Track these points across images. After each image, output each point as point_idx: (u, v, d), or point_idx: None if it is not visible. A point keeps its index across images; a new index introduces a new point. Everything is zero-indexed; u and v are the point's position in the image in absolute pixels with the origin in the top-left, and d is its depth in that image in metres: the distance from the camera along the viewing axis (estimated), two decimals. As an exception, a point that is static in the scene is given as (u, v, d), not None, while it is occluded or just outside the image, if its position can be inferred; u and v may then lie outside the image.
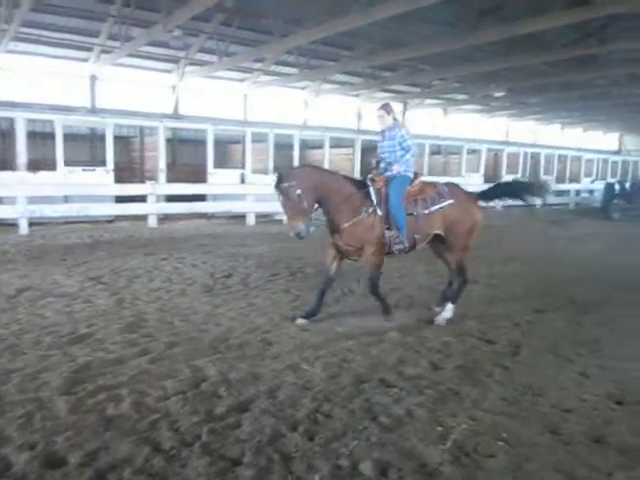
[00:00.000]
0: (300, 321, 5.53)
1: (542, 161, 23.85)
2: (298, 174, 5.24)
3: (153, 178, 14.33)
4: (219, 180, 14.96)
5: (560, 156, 25.29)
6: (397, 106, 26.25)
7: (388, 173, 5.62)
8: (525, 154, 23.03)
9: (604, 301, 7.00)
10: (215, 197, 14.94)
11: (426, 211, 5.61)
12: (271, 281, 7.48)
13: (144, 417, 3.43)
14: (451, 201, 5.72)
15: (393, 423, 3.45)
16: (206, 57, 18.52)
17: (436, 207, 5.67)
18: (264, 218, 15.27)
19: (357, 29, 14.75)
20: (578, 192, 25.76)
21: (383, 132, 5.84)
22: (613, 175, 26.39)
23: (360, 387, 3.98)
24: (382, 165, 5.79)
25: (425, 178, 6.25)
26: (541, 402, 3.85)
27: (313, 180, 5.24)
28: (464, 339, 5.18)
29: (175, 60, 18.80)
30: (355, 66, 18.71)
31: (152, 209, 13.31)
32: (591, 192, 25.77)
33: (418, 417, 3.54)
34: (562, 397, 3.95)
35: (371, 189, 5.50)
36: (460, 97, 25.60)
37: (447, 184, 6.12)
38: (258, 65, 19.90)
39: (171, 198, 14.10)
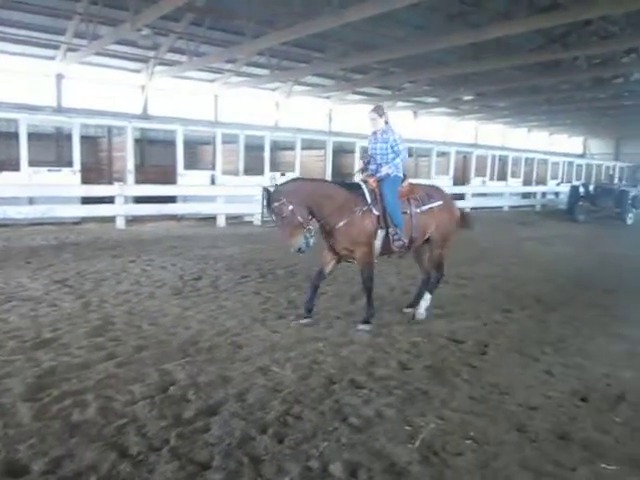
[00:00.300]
0: (302, 321, 5.58)
1: (510, 164, 24.29)
2: (286, 191, 5.19)
3: (121, 179, 14.10)
4: (189, 181, 14.79)
5: (527, 159, 25.79)
6: (367, 109, 26.43)
7: (379, 174, 5.70)
8: (493, 157, 23.42)
9: (569, 300, 7.18)
10: (185, 198, 14.78)
11: (418, 210, 5.77)
12: (241, 283, 7.44)
13: (111, 422, 3.36)
14: (440, 202, 5.97)
15: (363, 424, 3.46)
16: (176, 57, 18.35)
17: (427, 207, 5.85)
18: (235, 220, 15.19)
19: (329, 31, 14.81)
20: (544, 194, 26.32)
21: (375, 134, 5.90)
22: (578, 178, 27.03)
23: (330, 388, 3.99)
24: (373, 167, 5.86)
25: (412, 180, 6.36)
26: (508, 400, 3.92)
27: (302, 193, 5.27)
28: (433, 339, 5.23)
29: (144, 59, 18.57)
30: (327, 68, 18.79)
31: (120, 211, 13.09)
32: (557, 194, 26.36)
33: (387, 417, 3.56)
34: (528, 395, 4.02)
35: (365, 190, 5.58)
36: (430, 100, 25.92)
37: (431, 186, 6.36)
38: (229, 66, 19.80)
39: (140, 199, 13.88)
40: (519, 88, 22.17)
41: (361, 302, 6.51)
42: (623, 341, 5.47)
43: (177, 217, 14.76)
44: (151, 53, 17.96)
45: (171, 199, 14.41)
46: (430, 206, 5.87)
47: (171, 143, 15.50)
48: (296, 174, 16.95)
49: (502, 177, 23.73)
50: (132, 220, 13.82)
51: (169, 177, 14.89)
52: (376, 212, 5.51)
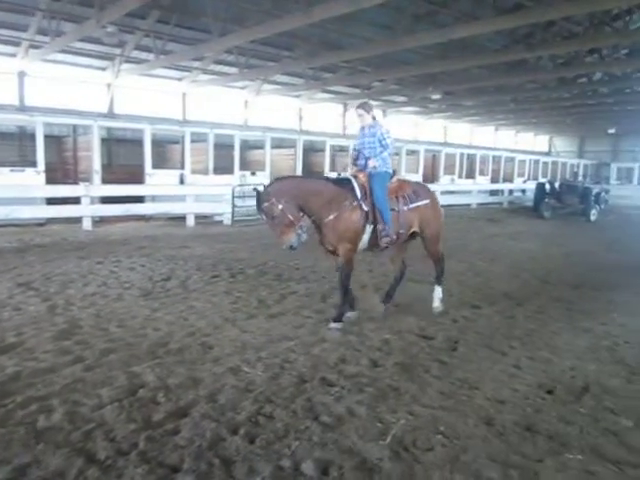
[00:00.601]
0: (333, 325, 5.50)
1: (478, 162, 24.66)
2: (274, 190, 5.24)
3: (87, 179, 13.81)
4: (157, 181, 14.58)
5: (495, 157, 26.23)
6: (337, 107, 26.52)
7: (367, 169, 5.76)
8: (462, 155, 23.74)
9: (536, 296, 7.33)
10: (154, 198, 14.56)
11: (406, 207, 5.87)
12: (211, 283, 7.37)
13: (78, 428, 3.30)
14: (427, 201, 6.11)
15: (334, 422, 3.48)
16: (143, 55, 18.09)
17: (414, 205, 5.96)
18: (204, 219, 15.04)
19: (297, 30, 14.82)
20: (511, 191, 26.79)
21: (363, 129, 5.96)
22: (544, 175, 27.56)
23: (302, 387, 3.99)
24: (362, 162, 5.89)
25: (400, 176, 6.51)
26: (477, 395, 3.98)
27: (290, 191, 5.30)
28: (403, 336, 5.28)
29: (110, 57, 18.24)
30: (295, 67, 18.77)
31: (86, 211, 12.82)
32: (524, 191, 26.84)
33: (359, 415, 3.58)
34: (496, 389, 4.10)
35: (355, 185, 5.62)
36: (399, 99, 26.13)
37: (417, 183, 6.52)
38: (197, 64, 19.61)
39: (107, 200, 13.62)
40: (486, 87, 22.54)
41: (332, 300, 6.56)
42: (588, 335, 5.62)
43: (145, 217, 14.53)
44: (117, 51, 17.65)
45: (139, 199, 14.17)
46: (417, 204, 5.98)
47: (139, 142, 15.25)
48: (266, 173, 16.91)
49: (470, 175, 24.08)
50: (99, 221, 13.56)
51: (137, 177, 14.63)
52: (365, 207, 5.56)
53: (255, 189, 5.35)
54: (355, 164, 5.99)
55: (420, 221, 6.01)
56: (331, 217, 5.42)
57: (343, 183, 5.72)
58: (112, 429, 3.30)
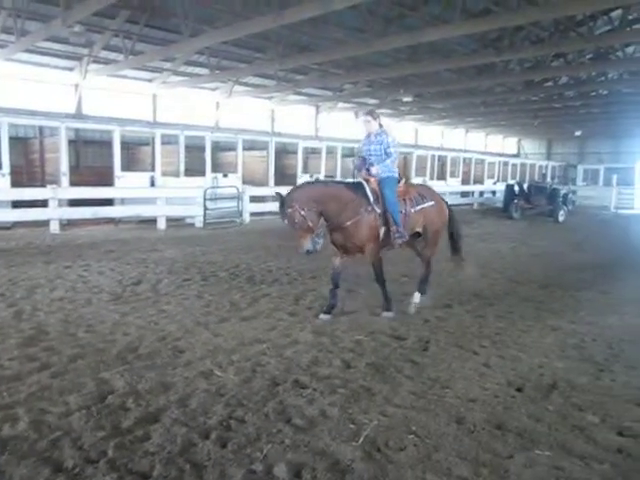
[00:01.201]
0: (322, 316, 5.87)
1: (449, 164, 24.97)
2: (297, 197, 5.44)
3: (55, 182, 13.53)
4: (127, 183, 14.37)
5: (465, 159, 26.62)
6: (309, 109, 26.54)
7: (381, 174, 5.96)
8: (433, 157, 24.02)
9: (505, 295, 7.45)
10: (123, 201, 14.34)
11: (413, 210, 6.17)
12: (183, 286, 7.29)
13: (44, 436, 3.21)
14: (432, 202, 6.43)
15: (307, 424, 3.47)
16: (111, 55, 17.83)
17: (420, 207, 6.27)
18: (176, 222, 14.88)
19: (269, 31, 14.79)
20: (482, 193, 27.22)
21: (369, 136, 6.16)
22: (513, 177, 28.06)
23: (274, 390, 3.97)
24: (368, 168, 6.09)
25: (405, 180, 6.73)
26: (448, 394, 4.02)
27: (313, 197, 5.52)
28: (376, 337, 5.30)
29: (77, 57, 17.92)
30: (267, 68, 18.73)
31: (54, 214, 12.55)
32: (493, 193, 27.30)
33: (331, 416, 3.58)
34: (467, 388, 4.14)
35: (367, 189, 5.88)
36: (371, 101, 26.27)
37: (422, 186, 6.80)
38: (168, 65, 19.40)
39: (75, 202, 13.36)
40: (456, 90, 22.84)
41: (304, 302, 6.56)
42: (556, 333, 5.73)
43: (115, 220, 14.32)
44: (85, 51, 17.35)
45: (108, 202, 13.94)
46: (423, 206, 6.30)
47: (108, 144, 15.03)
48: (238, 175, 16.84)
49: (441, 177, 24.37)
50: (67, 224, 13.30)
51: (106, 179, 14.41)
52: (378, 210, 5.86)
53: (279, 194, 5.55)
54: (360, 169, 6.21)
55: (424, 222, 6.32)
56: (351, 222, 5.69)
57: (356, 188, 5.95)
58: (80, 437, 3.22)
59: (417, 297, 6.46)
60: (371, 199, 5.85)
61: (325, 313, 5.93)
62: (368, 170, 6.02)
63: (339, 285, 6.09)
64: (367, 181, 6.00)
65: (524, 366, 4.68)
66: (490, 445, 3.29)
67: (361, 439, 3.29)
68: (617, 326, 6.04)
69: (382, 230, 5.93)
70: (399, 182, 6.15)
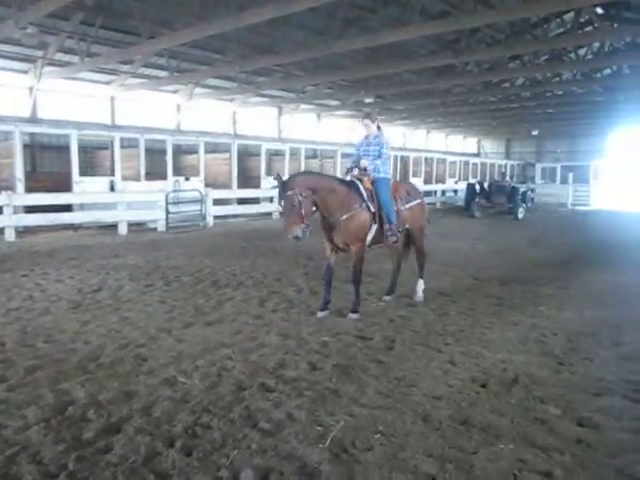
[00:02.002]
0: (320, 314, 6.06)
1: (411, 164, 25.26)
2: (298, 182, 5.57)
3: (10, 188, 13.08)
4: (86, 188, 14.01)
5: (427, 159, 26.98)
6: (272, 111, 26.46)
7: (374, 174, 6.23)
8: (395, 157, 24.24)
9: (467, 292, 7.58)
10: (82, 207, 13.97)
11: (403, 208, 6.55)
12: (145, 293, 7.15)
13: (0, 452, 3.10)
14: (419, 200, 6.92)
15: (273, 428, 3.44)
16: (67, 57, 17.34)
17: (409, 205, 6.69)
18: (137, 227, 14.61)
19: (229, 33, 14.67)
20: (444, 192, 27.64)
21: (367, 137, 6.48)
22: (474, 176, 28.62)
23: (240, 395, 3.93)
24: (369, 167, 6.28)
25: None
26: (414, 392, 4.05)
27: (312, 186, 5.66)
28: (341, 338, 5.31)
29: (31, 60, 17.36)
30: (228, 70, 18.54)
31: (9, 221, 12.13)
32: (455, 192, 27.77)
33: (298, 419, 3.56)
34: (432, 385, 4.19)
35: (361, 188, 6.10)
36: (332, 103, 26.36)
37: (408, 184, 7.07)
38: (126, 67, 18.98)
39: (32, 209, 12.95)
40: (416, 91, 23.10)
41: (269, 305, 6.53)
42: (517, 328, 5.86)
43: (74, 226, 13.93)
44: (39, 53, 16.84)
45: (67, 208, 13.56)
46: (412, 204, 6.73)
47: (65, 148, 14.63)
48: (201, 178, 16.64)
49: (404, 176, 24.62)
50: (23, 231, 12.88)
51: (64, 184, 14.00)
52: (372, 209, 6.08)
53: (279, 175, 5.73)
54: (352, 170, 6.42)
55: (412, 219, 6.74)
56: (345, 217, 5.87)
57: (350, 185, 6.14)
58: (39, 451, 3.12)
59: (421, 283, 7.01)
60: (365, 197, 6.05)
61: (321, 310, 6.11)
62: (361, 168, 6.27)
63: (332, 281, 6.24)
64: (361, 180, 6.20)
65: (487, 362, 4.76)
66: (455, 441, 3.33)
67: (328, 441, 3.29)
68: (575, 320, 6.22)
69: (374, 229, 6.14)
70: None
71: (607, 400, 3.97)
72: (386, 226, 6.18)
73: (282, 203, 5.60)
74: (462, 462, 3.10)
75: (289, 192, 5.49)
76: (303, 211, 5.50)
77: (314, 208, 5.75)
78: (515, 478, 2.95)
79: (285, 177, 5.72)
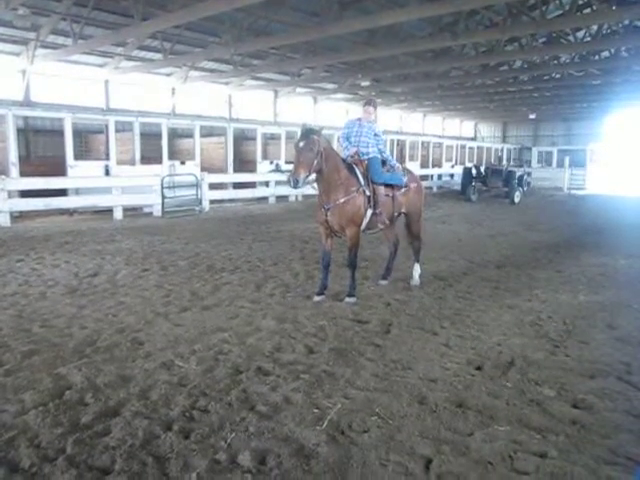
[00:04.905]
0: (317, 298, 6.06)
1: (407, 147, 25.17)
2: (317, 140, 5.63)
3: (4, 172, 12.98)
4: (81, 173, 13.92)
5: (423, 143, 26.88)
6: (268, 95, 26.25)
7: (366, 156, 6.34)
8: (392, 141, 24.14)
9: (464, 275, 7.60)
10: (77, 191, 13.90)
11: (399, 193, 6.57)
12: (141, 277, 7.14)
13: (-2, 436, 3.11)
14: (415, 184, 6.93)
15: (270, 411, 3.46)
16: (60, 40, 17.11)
17: (405, 189, 6.68)
18: (133, 211, 14.56)
19: (223, 15, 14.50)
20: (440, 176, 27.58)
21: (360, 120, 6.54)
22: (470, 160, 28.53)
23: (237, 378, 3.94)
24: (362, 150, 6.41)
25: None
26: (410, 375, 4.08)
27: (325, 150, 5.75)
28: (338, 322, 5.33)
29: (24, 42, 17.13)
30: (223, 53, 18.34)
31: (3, 206, 12.04)
32: (452, 176, 27.71)
33: (295, 402, 3.58)
34: (428, 368, 4.21)
35: (357, 172, 6.18)
36: (329, 86, 26.15)
37: (404, 169, 7.04)
38: (119, 49, 18.77)
39: (26, 194, 12.87)
40: (413, 74, 22.93)
41: (266, 289, 6.54)
42: (513, 311, 5.88)
43: (69, 211, 13.87)
44: (31, 35, 16.60)
45: (62, 192, 13.48)
46: (407, 188, 6.72)
47: (59, 132, 14.51)
48: (196, 162, 16.56)
49: (400, 160, 24.54)
50: (18, 216, 12.82)
51: (58, 169, 13.91)
52: (368, 193, 6.13)
53: (305, 124, 5.94)
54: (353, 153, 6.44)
55: (408, 203, 6.77)
56: (343, 200, 5.91)
57: (349, 168, 6.18)
58: (37, 435, 3.13)
59: (417, 267, 7.06)
60: (362, 182, 6.12)
61: (318, 294, 6.13)
62: (366, 152, 6.35)
63: (330, 266, 6.27)
64: (356, 164, 6.27)
65: (483, 345, 4.79)
66: (451, 423, 3.36)
67: (325, 423, 3.31)
68: (571, 303, 6.25)
69: (368, 213, 6.18)
70: (383, 166, 6.47)
71: (601, 382, 4.00)
72: (378, 210, 6.22)
73: (300, 144, 5.63)
74: (458, 444, 3.12)
75: (314, 137, 5.61)
76: (315, 162, 5.60)
77: (319, 169, 5.76)
78: (510, 459, 2.97)
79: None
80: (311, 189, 6.32)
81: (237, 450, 3.01)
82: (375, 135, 6.45)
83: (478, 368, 4.26)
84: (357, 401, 3.61)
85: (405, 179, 6.61)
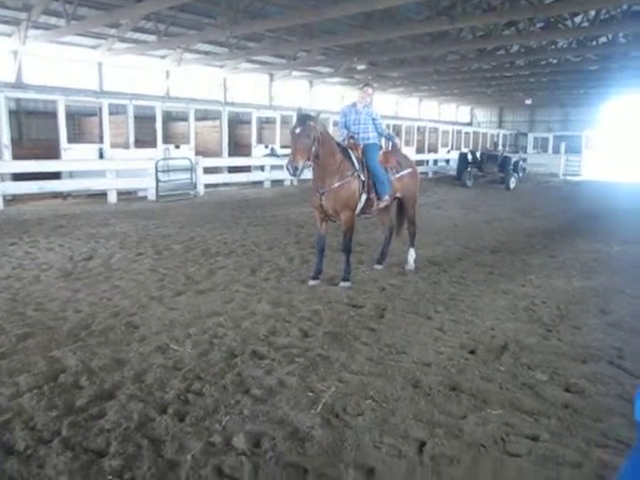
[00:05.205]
0: (312, 282, 6.07)
1: (403, 132, 25.07)
2: (313, 126, 5.61)
3: (-4, 155, 12.88)
4: (74, 156, 13.82)
5: (419, 128, 26.78)
6: (263, 78, 26.03)
7: (366, 141, 6.37)
8: (388, 126, 24.01)
9: (458, 260, 7.62)
10: (71, 174, 13.80)
11: (394, 177, 6.56)
12: (136, 261, 7.12)
13: (-7, 419, 3.11)
14: (410, 170, 6.91)
15: (265, 394, 3.48)
16: (52, 20, 16.86)
17: (400, 174, 6.69)
18: (127, 195, 14.48)
19: (218, -4, 14.29)
20: (436, 161, 27.53)
21: (355, 105, 6.52)
22: (466, 145, 28.47)
23: (232, 362, 3.95)
24: (358, 135, 6.44)
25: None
26: (404, 359, 4.10)
27: (322, 134, 5.73)
28: (333, 306, 5.34)
29: (15, 22, 16.87)
30: (218, 35, 18.12)
31: (-4, 189, 11.99)
32: (447, 161, 27.67)
33: (289, 385, 3.60)
34: (422, 352, 4.24)
35: (352, 156, 6.15)
36: (325, 70, 25.95)
37: (398, 153, 7.10)
38: (113, 31, 18.53)
39: (19, 177, 12.76)
40: (410, 58, 22.76)
41: (261, 274, 6.54)
42: (507, 296, 5.91)
43: (63, 195, 13.78)
44: (23, 15, 16.35)
45: (55, 175, 13.38)
46: (402, 173, 6.72)
47: (52, 114, 14.36)
48: (191, 146, 16.46)
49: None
50: (11, 200, 12.73)
51: (52, 151, 13.80)
52: (363, 178, 6.11)
53: (300, 108, 5.99)
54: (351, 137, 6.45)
55: (403, 188, 6.75)
56: (337, 184, 5.89)
57: (344, 152, 6.15)
58: (32, 417, 3.14)
59: (412, 252, 7.07)
60: (357, 166, 6.09)
61: (313, 279, 6.14)
62: (363, 137, 6.38)
63: (324, 250, 6.29)
64: (351, 149, 6.25)
65: (477, 329, 4.81)
66: (445, 407, 3.38)
67: (319, 406, 3.32)
68: (564, 288, 6.28)
69: (363, 198, 6.15)
70: (380, 149, 6.52)
71: (593, 366, 4.04)
72: (372, 195, 6.22)
73: (297, 131, 5.58)
74: (451, 427, 3.15)
75: (311, 123, 5.58)
76: (313, 148, 5.58)
77: (316, 154, 5.72)
78: (503, 442, 3.00)
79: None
80: (308, 174, 6.30)
81: (232, 433, 3.02)
82: (373, 120, 6.45)
83: (472, 352, 4.29)
84: (351, 385, 3.63)
85: (389, 191, 6.40)
